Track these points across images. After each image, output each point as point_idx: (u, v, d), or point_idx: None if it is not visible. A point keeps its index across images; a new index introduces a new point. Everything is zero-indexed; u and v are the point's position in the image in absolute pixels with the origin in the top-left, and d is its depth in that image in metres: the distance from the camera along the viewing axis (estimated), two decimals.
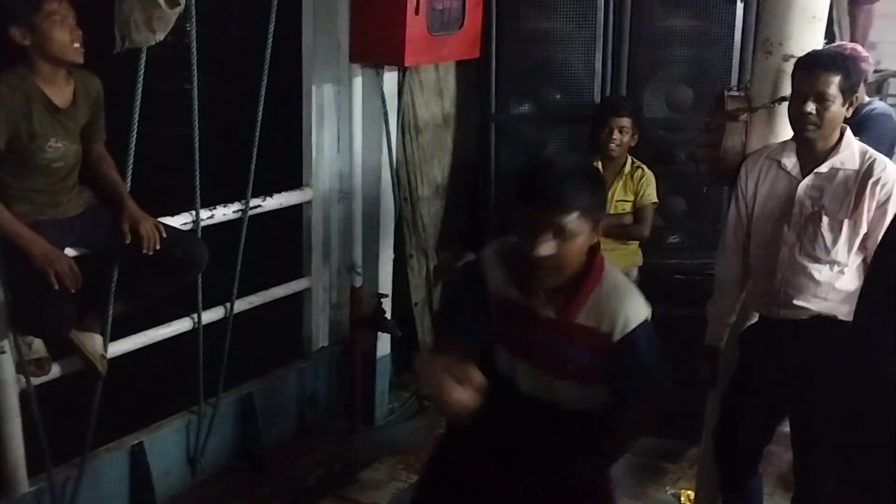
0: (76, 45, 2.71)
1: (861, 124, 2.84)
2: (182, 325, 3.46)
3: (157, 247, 2.86)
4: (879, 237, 2.62)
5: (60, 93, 2.77)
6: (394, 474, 3.76)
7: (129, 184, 2.95)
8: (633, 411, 2.14)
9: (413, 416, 4.25)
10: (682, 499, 3.61)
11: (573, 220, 1.91)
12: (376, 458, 3.87)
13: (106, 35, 2.73)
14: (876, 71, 6.72)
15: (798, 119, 2.64)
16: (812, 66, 2.61)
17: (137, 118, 2.89)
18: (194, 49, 3.06)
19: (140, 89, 2.88)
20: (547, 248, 1.92)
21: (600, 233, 2.03)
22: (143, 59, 2.85)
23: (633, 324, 2.03)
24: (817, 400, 2.76)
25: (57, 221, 2.84)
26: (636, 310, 2.06)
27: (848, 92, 2.61)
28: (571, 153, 2.02)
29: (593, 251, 2.06)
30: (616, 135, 3.70)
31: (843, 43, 4.13)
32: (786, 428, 2.97)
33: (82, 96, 2.84)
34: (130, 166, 2.93)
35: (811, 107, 2.59)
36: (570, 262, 1.99)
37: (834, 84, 2.58)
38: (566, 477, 2.16)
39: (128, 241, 2.83)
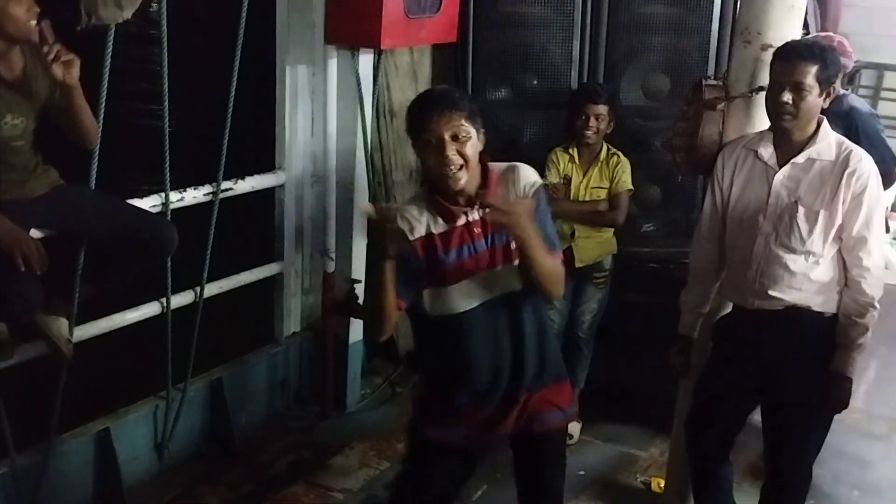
0: (32, 22, 2.60)
1: (844, 121, 2.84)
2: (151, 310, 3.41)
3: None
4: (854, 229, 2.64)
5: (10, 67, 2.66)
6: (365, 460, 3.74)
7: (96, 164, 2.88)
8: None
9: (385, 403, 4.23)
10: (653, 486, 3.62)
11: (464, 121, 2.26)
12: (347, 444, 3.85)
13: (72, 11, 2.66)
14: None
15: (774, 109, 2.64)
16: (789, 56, 2.61)
17: (105, 98, 2.82)
18: (164, 28, 2.99)
19: (108, 68, 2.81)
20: (452, 148, 2.25)
21: (483, 140, 2.34)
22: (112, 38, 2.78)
23: (532, 183, 2.38)
24: (790, 390, 2.79)
25: (22, 202, 2.76)
26: (528, 172, 2.41)
27: (825, 82, 2.60)
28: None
29: (482, 156, 2.37)
30: (592, 122, 3.69)
31: (831, 34, 4.13)
32: (755, 417, 2.99)
33: (34, 68, 2.71)
34: (98, 147, 2.86)
35: (787, 97, 2.59)
36: (473, 159, 2.30)
37: (811, 74, 2.57)
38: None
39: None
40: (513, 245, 2.32)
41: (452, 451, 2.51)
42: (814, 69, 2.57)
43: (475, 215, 2.35)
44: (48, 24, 2.59)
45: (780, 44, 2.70)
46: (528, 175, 2.41)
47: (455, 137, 2.26)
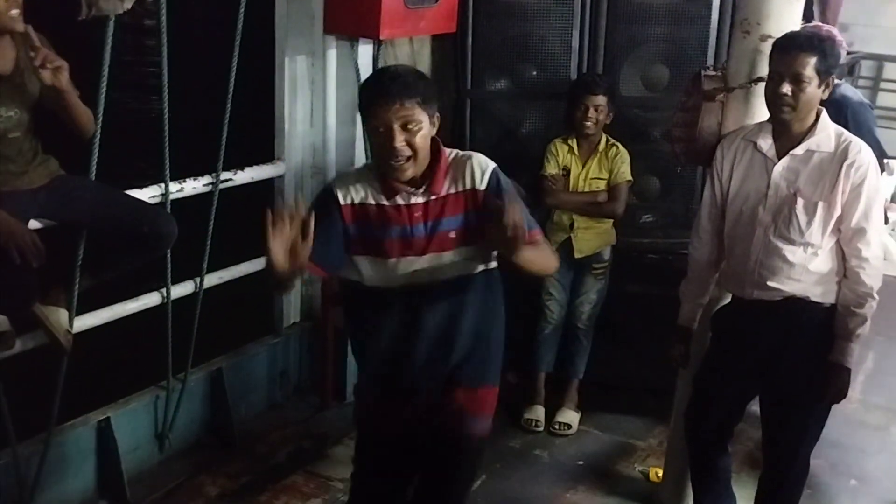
0: (13, 11, 2.56)
1: (835, 110, 2.84)
2: (151, 300, 3.41)
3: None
4: (853, 220, 2.65)
5: (2, 59, 2.65)
6: None
7: (96, 156, 2.88)
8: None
9: None
10: (651, 476, 3.63)
11: (416, 110, 2.17)
12: (346, 434, 3.85)
13: (72, 2, 2.65)
14: (848, 53, 6.77)
15: (774, 100, 2.64)
16: (788, 47, 2.61)
17: (105, 89, 2.82)
18: (164, 18, 2.99)
19: (108, 59, 2.80)
20: (401, 139, 2.16)
21: (436, 124, 2.27)
22: (111, 28, 2.77)
23: (489, 169, 2.31)
24: (789, 380, 2.80)
25: (20, 193, 2.76)
26: (483, 160, 2.33)
27: (824, 73, 2.60)
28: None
29: (434, 140, 2.30)
30: (591, 113, 3.69)
31: (819, 24, 4.12)
32: (754, 407, 3.00)
33: (27, 60, 2.66)
34: (98, 138, 2.86)
35: (787, 88, 2.59)
36: (423, 150, 2.22)
37: (810, 65, 2.57)
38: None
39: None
40: (451, 234, 2.28)
41: (388, 440, 2.49)
42: (813, 60, 2.57)
43: (418, 199, 2.28)
44: (31, 28, 2.57)
45: (779, 34, 2.70)
46: (483, 162, 2.33)
47: (405, 127, 2.17)
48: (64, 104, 2.68)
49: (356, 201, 2.29)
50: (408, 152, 2.19)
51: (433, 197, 2.28)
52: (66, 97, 2.66)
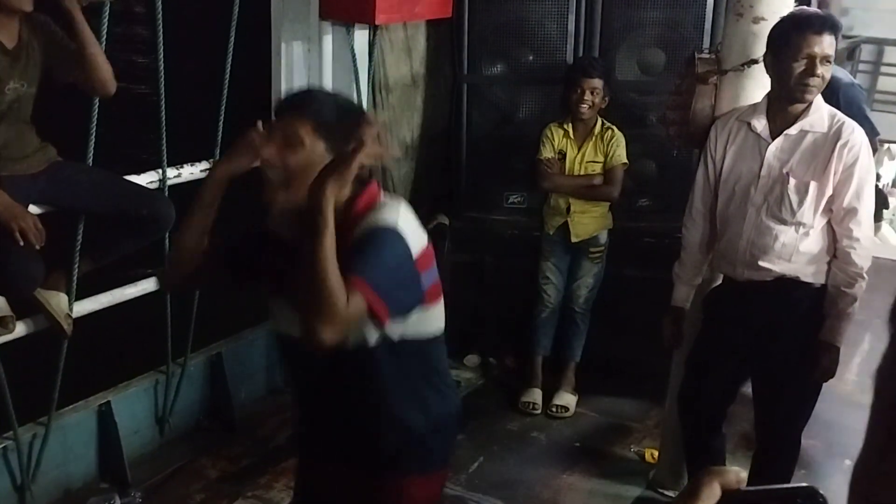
0: None
1: (827, 91, 2.86)
2: (150, 285, 3.43)
3: None
4: (845, 200, 2.66)
5: (10, 36, 2.66)
6: None
7: (93, 142, 2.90)
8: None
9: None
10: (647, 457, 3.66)
11: (302, 128, 1.85)
12: None
13: None
14: (849, 37, 6.77)
15: (804, 81, 2.58)
16: (820, 29, 2.56)
17: None
18: (159, 5, 3.00)
19: (104, 46, 2.82)
20: (269, 150, 1.87)
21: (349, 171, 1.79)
22: (107, 14, 2.79)
23: (373, 225, 1.84)
24: (780, 360, 2.82)
25: (19, 178, 2.78)
26: (382, 217, 1.86)
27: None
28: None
29: (359, 188, 1.90)
30: (587, 96, 3.70)
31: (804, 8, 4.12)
32: (748, 388, 3.02)
33: (30, 34, 2.70)
34: (94, 124, 2.88)
35: (820, 70, 2.56)
36: (295, 176, 1.85)
37: (834, 46, 2.58)
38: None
39: None
40: None
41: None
42: (835, 42, 2.58)
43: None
44: None
45: (772, 17, 2.71)
46: (379, 217, 1.85)
47: (287, 141, 1.86)
48: (80, 36, 2.63)
49: (265, 230, 2.01)
50: (273, 167, 1.86)
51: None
52: (75, 15, 2.61)
